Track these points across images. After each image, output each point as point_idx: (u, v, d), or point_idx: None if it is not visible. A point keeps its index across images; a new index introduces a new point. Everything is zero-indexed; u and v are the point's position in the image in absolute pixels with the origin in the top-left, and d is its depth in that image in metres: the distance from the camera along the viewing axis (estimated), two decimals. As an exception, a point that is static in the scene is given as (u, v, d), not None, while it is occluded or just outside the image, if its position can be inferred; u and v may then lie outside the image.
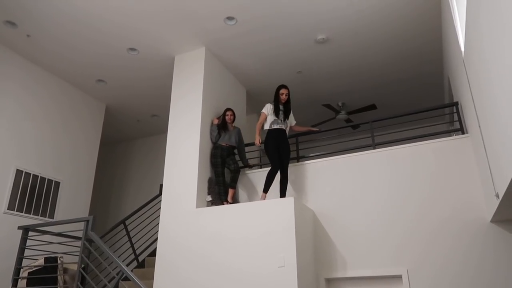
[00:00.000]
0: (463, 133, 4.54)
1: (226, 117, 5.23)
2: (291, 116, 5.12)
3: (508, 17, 1.94)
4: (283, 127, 4.87)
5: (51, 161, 5.81)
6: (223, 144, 5.08)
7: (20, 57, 5.57)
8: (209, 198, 4.85)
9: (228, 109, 5.30)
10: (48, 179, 5.70)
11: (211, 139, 5.20)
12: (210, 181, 4.94)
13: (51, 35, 5.18)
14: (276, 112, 4.88)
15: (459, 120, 4.67)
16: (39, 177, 5.57)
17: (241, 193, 5.22)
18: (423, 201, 4.23)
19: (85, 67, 5.91)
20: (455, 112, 4.87)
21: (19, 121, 5.44)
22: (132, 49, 5.49)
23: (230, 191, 4.90)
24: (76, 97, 6.40)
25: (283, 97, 4.92)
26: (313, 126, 5.60)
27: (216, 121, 5.28)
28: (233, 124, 5.34)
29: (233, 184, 4.95)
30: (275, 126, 4.83)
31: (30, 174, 5.46)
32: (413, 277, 3.99)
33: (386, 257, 4.17)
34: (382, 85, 6.68)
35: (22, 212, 5.27)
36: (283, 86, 4.98)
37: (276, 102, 4.95)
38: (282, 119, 4.89)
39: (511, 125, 2.21)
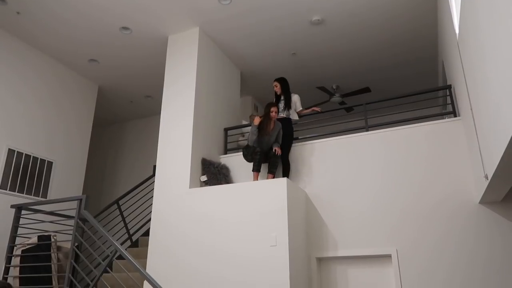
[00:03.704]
0: (455, 116, 4.57)
1: (271, 114, 4.69)
2: (295, 102, 5.30)
3: (500, 1, 1.93)
4: (283, 115, 5.13)
5: (43, 141, 5.78)
6: (258, 149, 4.63)
7: (10, 35, 5.47)
8: (204, 178, 4.86)
9: (272, 105, 4.75)
10: (40, 159, 5.67)
11: (248, 142, 4.72)
12: (203, 161, 4.95)
13: (42, 13, 5.07)
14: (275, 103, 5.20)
15: (452, 103, 4.70)
16: (31, 157, 5.54)
17: (235, 173, 5.23)
18: (414, 183, 4.29)
19: (77, 47, 5.82)
20: (448, 95, 4.90)
21: (9, 101, 5.37)
22: (125, 28, 5.41)
23: (269, 176, 4.70)
24: (68, 77, 6.32)
25: (276, 89, 5.29)
26: (308, 108, 5.60)
27: (257, 121, 4.66)
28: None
29: (273, 169, 4.71)
30: (278, 116, 5.13)
31: (22, 153, 5.43)
32: (403, 256, 4.07)
33: (376, 238, 4.25)
34: (377, 69, 6.67)
35: (14, 191, 5.26)
36: (275, 80, 5.35)
37: (275, 94, 5.33)
38: (283, 108, 5.15)
39: (502, 105, 2.24)
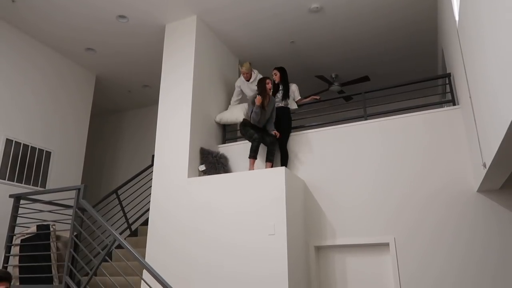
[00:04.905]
0: (454, 104, 4.55)
1: (268, 86, 4.80)
2: (293, 92, 5.34)
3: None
4: (281, 105, 5.16)
5: (41, 131, 5.76)
6: (256, 136, 4.73)
7: (6, 24, 5.41)
8: (202, 167, 4.86)
9: (266, 78, 4.87)
10: (39, 148, 5.66)
11: (251, 121, 4.77)
12: (202, 151, 4.95)
13: (38, 1, 5.00)
14: (273, 92, 5.26)
15: (451, 91, 4.67)
16: (29, 147, 5.53)
17: (234, 163, 5.23)
18: (413, 172, 4.29)
19: (74, 35, 5.76)
20: (447, 84, 4.87)
21: (6, 91, 5.33)
22: (122, 17, 5.35)
23: (268, 164, 4.73)
24: (65, 67, 6.28)
25: (275, 77, 5.33)
26: (307, 97, 5.59)
27: (259, 101, 4.70)
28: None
29: (271, 157, 4.76)
30: (277, 106, 5.16)
31: (20, 143, 5.41)
32: (400, 245, 4.09)
33: (374, 226, 4.27)
34: (376, 55, 6.61)
35: (13, 181, 5.26)
36: (274, 68, 5.43)
37: (273, 83, 5.35)
38: (281, 97, 5.19)
39: (500, 94, 2.22)
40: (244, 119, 4.97)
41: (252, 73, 5.46)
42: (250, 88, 5.42)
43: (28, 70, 5.67)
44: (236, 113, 5.32)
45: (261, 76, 5.34)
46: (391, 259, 4.10)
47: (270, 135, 4.84)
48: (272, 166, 4.76)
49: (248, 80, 5.43)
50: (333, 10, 5.36)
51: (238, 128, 4.93)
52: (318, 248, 4.53)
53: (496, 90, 2.32)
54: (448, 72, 5.06)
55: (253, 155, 4.70)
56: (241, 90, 5.55)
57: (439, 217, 4.03)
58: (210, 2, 5.10)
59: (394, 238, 4.12)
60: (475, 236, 3.85)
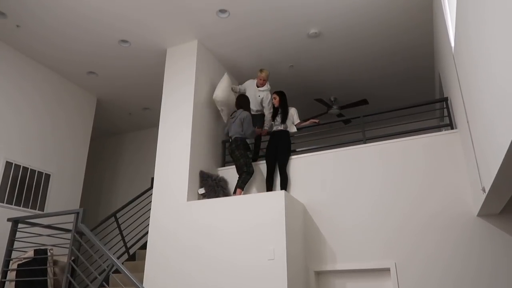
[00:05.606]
0: (452, 128, 4.59)
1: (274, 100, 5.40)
2: (292, 115, 5.39)
3: (492, 15, 1.96)
4: (280, 128, 5.25)
5: (41, 154, 5.77)
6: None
7: (10, 48, 5.50)
8: (202, 191, 4.85)
9: (244, 95, 5.42)
10: (38, 171, 5.66)
11: (251, 137, 5.19)
12: (201, 174, 4.95)
13: (42, 26, 5.11)
14: (273, 115, 5.41)
15: (449, 115, 4.72)
16: (29, 170, 5.53)
17: (233, 186, 5.22)
18: (412, 196, 4.28)
19: (76, 59, 5.85)
20: (445, 108, 4.92)
21: (7, 113, 5.38)
22: (124, 41, 5.45)
23: (239, 191, 4.75)
24: (66, 90, 6.34)
25: (275, 101, 5.41)
26: (306, 120, 5.64)
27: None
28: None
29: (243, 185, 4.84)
30: (274, 129, 5.33)
31: (20, 166, 5.41)
32: (401, 270, 4.04)
33: (375, 251, 4.23)
34: (374, 79, 6.71)
35: (12, 204, 5.23)
36: (274, 92, 5.50)
37: (272, 106, 5.50)
38: (280, 121, 5.27)
39: (496, 121, 2.25)
40: (245, 139, 5.02)
41: (267, 83, 5.57)
42: (255, 95, 5.50)
43: (30, 93, 5.73)
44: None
45: (269, 92, 5.56)
46: (392, 285, 4.04)
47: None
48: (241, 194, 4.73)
49: (258, 87, 5.53)
50: (331, 36, 5.46)
51: (237, 143, 4.93)
52: (318, 273, 4.47)
53: (492, 115, 2.35)
54: (445, 95, 5.12)
55: (243, 187, 4.75)
56: (245, 90, 5.64)
57: (441, 242, 4.00)
58: (211, 27, 5.20)
59: (395, 263, 4.08)
60: (479, 261, 3.81)
